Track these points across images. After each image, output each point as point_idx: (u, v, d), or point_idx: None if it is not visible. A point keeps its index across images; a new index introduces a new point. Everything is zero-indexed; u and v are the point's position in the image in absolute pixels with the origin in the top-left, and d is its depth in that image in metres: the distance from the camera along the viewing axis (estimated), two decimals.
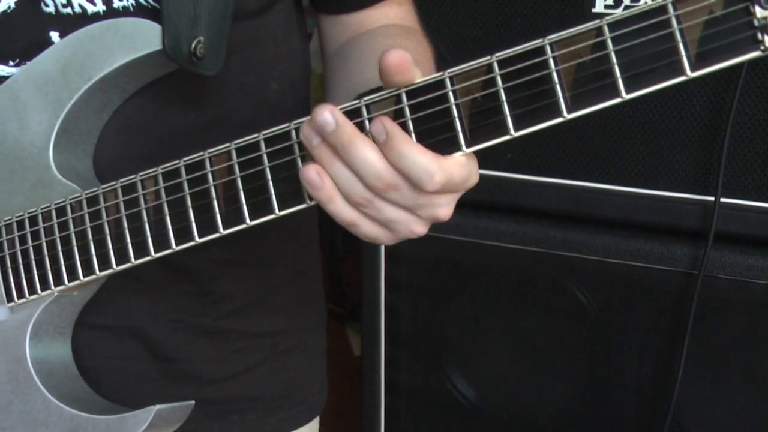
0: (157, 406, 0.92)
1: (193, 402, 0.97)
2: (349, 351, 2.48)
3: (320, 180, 0.76)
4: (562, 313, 1.53)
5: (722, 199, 1.39)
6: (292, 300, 1.13)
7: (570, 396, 1.57)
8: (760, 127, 1.37)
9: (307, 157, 0.79)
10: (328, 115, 0.74)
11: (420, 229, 0.79)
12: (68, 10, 0.92)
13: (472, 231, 1.54)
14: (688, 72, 0.69)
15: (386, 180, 0.74)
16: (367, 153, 0.74)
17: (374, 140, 0.74)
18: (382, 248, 1.61)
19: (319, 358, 1.22)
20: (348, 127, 0.74)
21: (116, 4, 0.91)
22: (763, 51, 0.67)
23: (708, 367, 1.46)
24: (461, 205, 0.81)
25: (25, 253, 0.94)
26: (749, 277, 1.40)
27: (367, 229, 0.78)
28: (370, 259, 1.62)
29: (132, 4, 0.91)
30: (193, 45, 0.87)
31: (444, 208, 0.77)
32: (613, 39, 0.70)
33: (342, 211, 0.77)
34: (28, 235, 0.94)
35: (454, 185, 0.76)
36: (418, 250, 1.59)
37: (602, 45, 0.70)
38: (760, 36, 0.66)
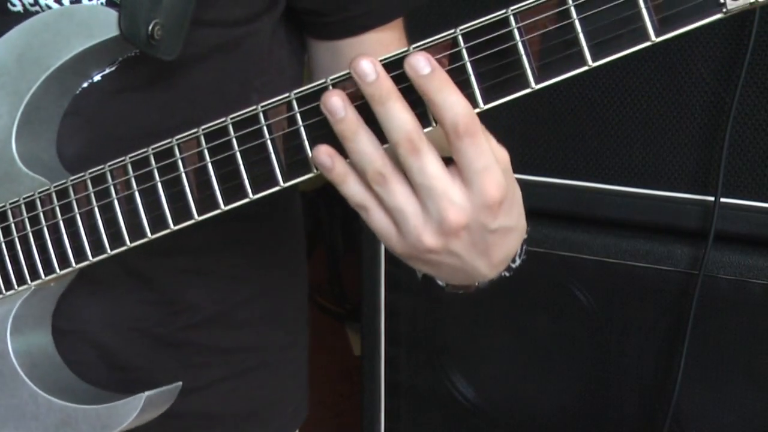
0: (147, 393, 0.91)
1: (180, 383, 0.95)
2: (349, 351, 2.48)
3: (331, 162, 0.76)
4: (562, 313, 1.53)
5: (722, 199, 1.39)
6: (263, 316, 1.10)
7: (570, 396, 1.57)
8: (760, 127, 1.37)
9: (279, 139, 0.79)
10: (369, 65, 0.73)
11: (428, 236, 0.76)
12: (36, 8, 0.91)
13: None
14: (653, 37, 0.70)
15: (414, 140, 0.73)
16: (400, 107, 0.73)
17: (411, 76, 0.73)
18: (382, 248, 1.60)
19: (295, 379, 1.18)
20: (388, 79, 0.73)
21: (85, 1, 0.90)
22: (725, 13, 0.68)
23: (708, 367, 1.46)
24: None
25: None
26: (749, 277, 1.40)
27: (376, 216, 0.77)
28: (370, 259, 1.62)
29: (101, 2, 0.90)
30: (150, 27, 0.86)
31: (455, 209, 0.74)
32: (576, 7, 0.70)
33: (354, 192, 0.76)
34: None
35: (421, 165, 0.73)
36: None
37: (566, 14, 0.71)
38: None
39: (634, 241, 1.46)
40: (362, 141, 0.75)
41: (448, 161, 0.76)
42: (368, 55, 0.74)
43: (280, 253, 1.11)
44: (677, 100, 1.40)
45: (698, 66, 1.37)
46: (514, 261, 0.86)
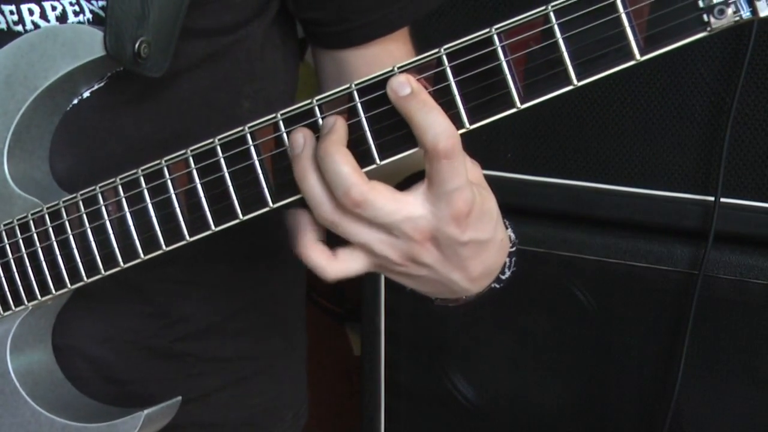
0: (146, 411, 0.91)
1: (179, 399, 0.96)
2: (349, 351, 2.48)
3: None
4: (562, 313, 1.53)
5: (722, 199, 1.39)
6: (259, 324, 1.09)
7: (570, 396, 1.57)
8: (760, 127, 1.37)
9: (268, 160, 0.78)
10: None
11: (399, 265, 0.76)
12: (19, 27, 0.90)
13: None
14: (637, 56, 0.70)
15: (353, 194, 0.72)
16: (339, 160, 0.72)
17: (391, 98, 0.73)
18: None
19: (294, 385, 1.17)
20: (335, 134, 0.73)
21: (71, 19, 0.89)
22: (709, 32, 0.68)
23: (708, 367, 1.46)
24: None
25: None
26: (749, 277, 1.40)
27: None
28: None
29: (88, 20, 0.89)
30: (137, 45, 0.85)
31: (420, 227, 0.74)
32: (560, 25, 0.70)
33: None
34: None
35: (374, 213, 0.73)
36: None
37: (550, 33, 0.70)
38: (705, 17, 0.68)
39: (634, 241, 1.46)
40: (310, 185, 0.74)
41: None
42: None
43: (277, 261, 1.10)
44: (677, 100, 1.40)
45: (698, 66, 1.37)
46: (503, 273, 0.86)
